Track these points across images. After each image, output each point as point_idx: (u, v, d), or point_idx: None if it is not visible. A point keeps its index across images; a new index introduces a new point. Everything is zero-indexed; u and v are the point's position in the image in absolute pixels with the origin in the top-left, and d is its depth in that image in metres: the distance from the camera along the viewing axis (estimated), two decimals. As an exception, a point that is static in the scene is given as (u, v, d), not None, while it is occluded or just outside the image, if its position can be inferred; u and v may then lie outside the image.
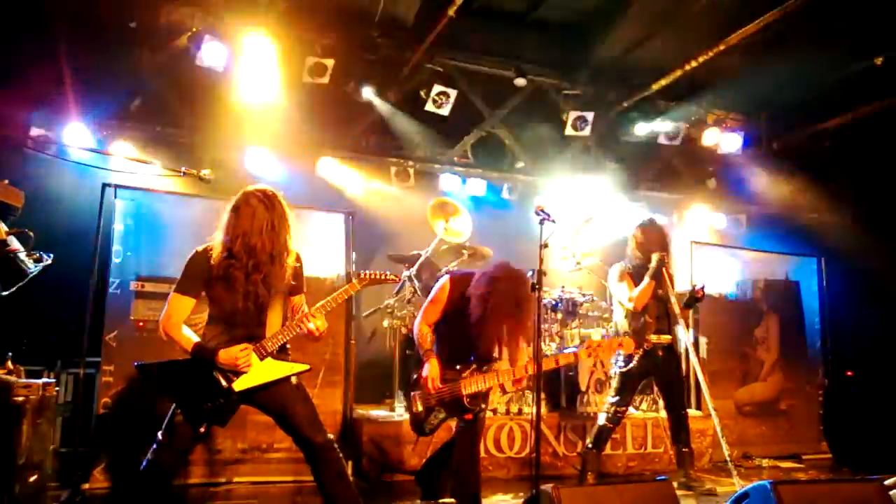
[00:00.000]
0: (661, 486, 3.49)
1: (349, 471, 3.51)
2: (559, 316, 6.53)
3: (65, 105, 5.99)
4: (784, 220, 8.70)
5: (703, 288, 5.35)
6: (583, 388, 6.39)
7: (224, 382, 3.28)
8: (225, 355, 3.25)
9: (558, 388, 6.51)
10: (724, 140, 7.96)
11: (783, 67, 7.01)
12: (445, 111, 7.02)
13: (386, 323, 6.65)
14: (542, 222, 3.95)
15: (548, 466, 5.77)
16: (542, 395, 5.48)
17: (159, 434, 3.30)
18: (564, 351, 4.24)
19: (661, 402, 6.14)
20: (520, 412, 6.05)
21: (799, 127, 7.98)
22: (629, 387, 5.34)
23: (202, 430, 3.32)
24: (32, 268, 3.89)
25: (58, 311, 5.54)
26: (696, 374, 6.16)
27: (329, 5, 6.49)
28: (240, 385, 3.29)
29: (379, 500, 4.94)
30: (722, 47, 6.27)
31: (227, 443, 5.31)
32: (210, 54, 6.07)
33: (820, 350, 7.77)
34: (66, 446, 5.11)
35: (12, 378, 3.62)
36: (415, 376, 4.27)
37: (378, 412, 6.10)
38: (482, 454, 5.36)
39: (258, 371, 3.32)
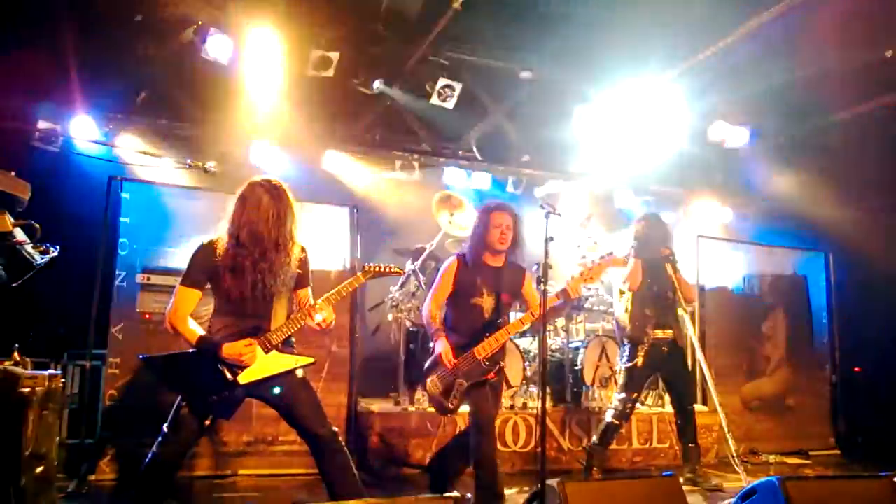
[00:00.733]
0: (667, 482, 3.47)
1: (354, 464, 3.49)
2: (564, 310, 6.51)
3: (71, 98, 5.99)
4: (791, 215, 8.64)
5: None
6: (588, 382, 6.39)
7: (229, 375, 3.28)
8: (229, 349, 3.25)
9: (564, 382, 6.51)
10: (731, 134, 7.91)
11: (792, 60, 6.96)
12: (450, 104, 7.00)
13: (391, 316, 6.65)
14: (547, 216, 3.95)
15: (553, 461, 5.78)
16: (548, 390, 5.46)
17: (165, 427, 3.31)
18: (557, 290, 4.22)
19: (666, 398, 6.14)
20: (525, 406, 6.05)
21: (807, 121, 7.92)
22: (635, 382, 5.33)
23: (207, 422, 3.33)
24: (39, 260, 3.89)
25: (64, 304, 5.56)
26: (702, 370, 6.15)
27: (334, -2, 6.47)
28: (245, 378, 3.29)
29: (383, 492, 4.94)
30: (730, 39, 6.21)
31: (232, 435, 5.33)
32: (215, 47, 6.06)
33: (827, 345, 7.74)
34: (72, 438, 5.13)
35: (19, 370, 3.62)
36: (427, 363, 4.30)
37: (383, 405, 6.10)
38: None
39: (263, 364, 3.32)
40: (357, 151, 7.30)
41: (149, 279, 5.35)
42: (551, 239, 3.89)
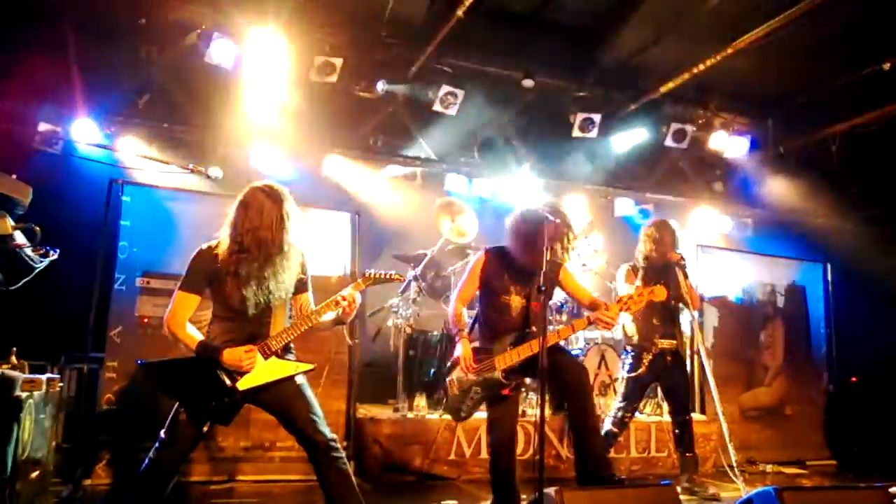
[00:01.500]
0: (664, 491, 3.47)
1: (352, 470, 3.48)
2: (564, 317, 6.52)
3: (72, 101, 5.99)
4: (790, 225, 8.67)
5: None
6: (587, 390, 6.37)
7: (228, 381, 3.26)
8: (229, 355, 3.24)
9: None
10: (731, 143, 7.93)
11: (791, 71, 6.99)
12: (453, 111, 7.01)
13: (390, 322, 6.65)
14: (547, 223, 3.87)
15: (551, 469, 5.75)
16: (546, 398, 5.45)
17: (162, 432, 3.29)
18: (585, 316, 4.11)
19: (665, 407, 6.12)
20: (523, 414, 6.02)
21: (806, 131, 7.94)
22: (636, 392, 5.33)
23: (205, 429, 3.31)
24: (38, 263, 3.89)
25: (63, 307, 5.54)
26: (700, 378, 6.15)
27: (338, 4, 6.48)
28: (244, 384, 3.28)
29: (382, 500, 4.93)
30: (730, 51, 6.24)
31: (230, 441, 5.31)
32: (219, 52, 6.07)
33: (825, 355, 7.74)
34: (68, 441, 5.11)
35: (16, 373, 3.62)
36: (449, 361, 4.22)
37: (382, 412, 6.09)
38: (483, 455, 5.36)
39: (263, 370, 3.31)
40: (359, 157, 7.31)
41: (148, 283, 5.34)
42: (551, 247, 3.85)
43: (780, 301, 7.67)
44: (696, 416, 6.15)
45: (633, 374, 5.28)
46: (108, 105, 6.22)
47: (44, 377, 3.78)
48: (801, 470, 6.79)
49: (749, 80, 7.32)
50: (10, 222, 3.74)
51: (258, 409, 3.46)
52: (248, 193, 3.41)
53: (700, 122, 7.97)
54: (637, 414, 6.58)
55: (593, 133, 7.52)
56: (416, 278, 6.50)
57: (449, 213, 6.80)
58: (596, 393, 6.38)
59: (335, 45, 6.59)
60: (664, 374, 5.34)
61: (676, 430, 5.37)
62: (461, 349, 4.06)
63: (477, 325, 4.27)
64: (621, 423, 5.30)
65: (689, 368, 5.77)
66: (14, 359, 3.83)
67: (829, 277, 7.87)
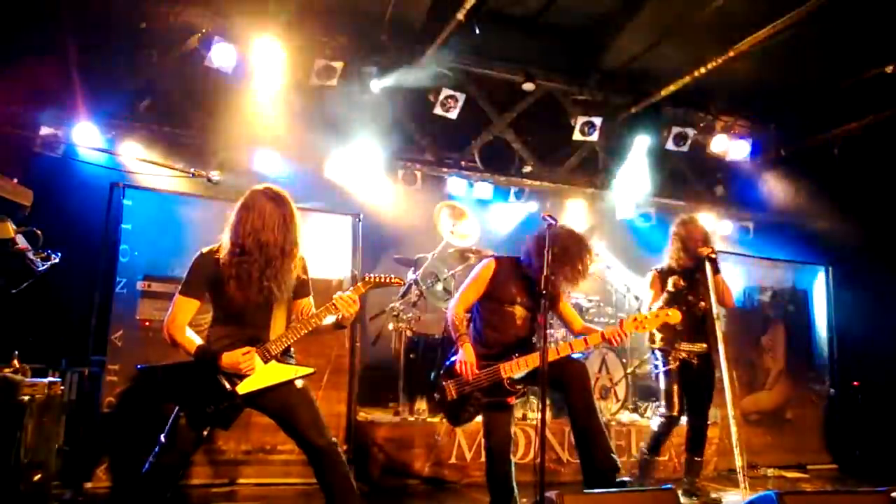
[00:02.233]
0: (665, 495, 3.46)
1: (352, 474, 3.48)
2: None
3: (73, 105, 6.00)
4: (792, 228, 8.66)
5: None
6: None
7: (228, 386, 3.26)
8: (228, 359, 3.24)
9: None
10: (732, 147, 7.93)
11: (793, 74, 6.99)
12: (453, 115, 7.02)
13: (391, 326, 6.64)
14: (548, 228, 3.88)
15: (552, 473, 5.75)
16: (547, 401, 5.44)
17: (162, 437, 3.29)
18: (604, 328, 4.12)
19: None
20: (524, 418, 6.04)
21: (808, 134, 7.94)
22: (675, 390, 5.12)
23: (205, 433, 3.31)
24: (40, 267, 3.90)
25: (64, 310, 5.56)
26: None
27: (338, 8, 6.50)
28: (244, 388, 3.28)
29: (382, 503, 4.93)
30: (731, 54, 6.24)
31: (230, 444, 5.31)
32: (220, 56, 6.09)
33: (826, 359, 7.72)
34: (69, 445, 5.11)
35: (19, 377, 3.62)
36: (446, 364, 4.14)
37: (382, 415, 6.09)
38: (482, 459, 5.35)
39: (262, 374, 3.31)
40: (359, 161, 7.31)
41: (149, 286, 5.34)
42: (554, 252, 3.85)
43: (782, 305, 7.65)
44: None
45: (666, 370, 5.10)
46: (110, 109, 6.23)
47: (45, 381, 3.79)
48: (803, 474, 6.78)
49: (750, 83, 7.32)
50: (11, 226, 3.75)
51: (258, 412, 3.46)
52: (249, 197, 3.41)
53: (701, 125, 7.98)
54: (638, 417, 6.60)
55: (594, 136, 7.53)
56: (416, 282, 6.50)
57: (450, 217, 6.80)
58: (597, 397, 6.36)
59: (335, 48, 6.61)
60: (691, 377, 5.13)
61: (690, 433, 5.26)
62: (464, 354, 4.00)
63: (474, 332, 4.21)
64: (668, 425, 5.12)
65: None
66: (16, 362, 3.84)
67: (831, 281, 7.86)
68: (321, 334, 3.62)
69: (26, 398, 3.51)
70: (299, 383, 3.41)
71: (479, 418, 4.21)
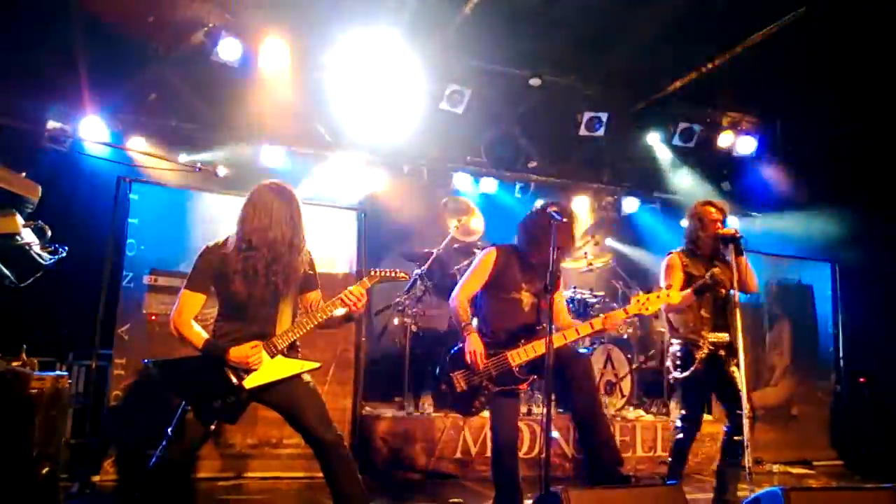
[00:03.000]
0: (671, 491, 3.47)
1: (358, 468, 3.49)
2: (570, 317, 6.51)
3: (81, 99, 6.02)
4: (798, 224, 8.62)
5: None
6: (593, 389, 6.37)
7: (235, 380, 3.27)
8: (236, 353, 3.25)
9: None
10: (738, 143, 7.91)
11: (799, 70, 6.95)
12: (460, 110, 7.01)
13: (396, 321, 6.66)
14: (554, 223, 3.83)
15: (557, 468, 5.76)
16: (553, 396, 5.45)
17: (169, 430, 3.31)
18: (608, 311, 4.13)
19: (671, 404, 6.09)
20: (529, 413, 6.04)
21: (815, 130, 7.91)
22: (695, 395, 4.67)
23: (212, 427, 3.33)
24: (47, 260, 3.91)
25: (71, 304, 5.58)
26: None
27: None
28: (251, 382, 3.29)
29: (387, 497, 4.95)
30: (739, 50, 6.22)
31: (237, 438, 5.33)
32: (226, 50, 6.10)
33: (832, 355, 7.71)
34: (76, 438, 5.14)
35: (27, 371, 3.64)
36: (451, 353, 4.08)
37: (387, 409, 6.10)
38: (489, 453, 5.36)
39: (269, 368, 3.32)
40: (366, 155, 7.31)
41: (156, 280, 5.36)
42: (559, 247, 3.84)
43: (787, 301, 7.63)
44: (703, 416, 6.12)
45: (685, 375, 4.54)
46: (117, 103, 6.25)
47: (53, 374, 3.80)
48: (808, 470, 6.77)
49: (757, 79, 7.29)
50: (19, 220, 3.76)
51: (265, 407, 3.47)
52: (256, 192, 3.43)
53: (708, 121, 7.95)
54: (643, 413, 6.59)
55: (600, 132, 7.51)
56: (422, 276, 6.50)
57: (455, 212, 6.80)
58: (601, 392, 6.37)
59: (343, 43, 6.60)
60: (721, 377, 4.58)
61: (728, 438, 4.59)
62: (471, 343, 3.94)
63: (479, 321, 4.18)
64: (689, 432, 4.59)
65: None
66: (24, 356, 3.85)
67: (837, 277, 7.84)
68: (329, 329, 3.63)
69: (35, 392, 3.52)
70: (305, 377, 3.42)
71: (484, 413, 4.21)
